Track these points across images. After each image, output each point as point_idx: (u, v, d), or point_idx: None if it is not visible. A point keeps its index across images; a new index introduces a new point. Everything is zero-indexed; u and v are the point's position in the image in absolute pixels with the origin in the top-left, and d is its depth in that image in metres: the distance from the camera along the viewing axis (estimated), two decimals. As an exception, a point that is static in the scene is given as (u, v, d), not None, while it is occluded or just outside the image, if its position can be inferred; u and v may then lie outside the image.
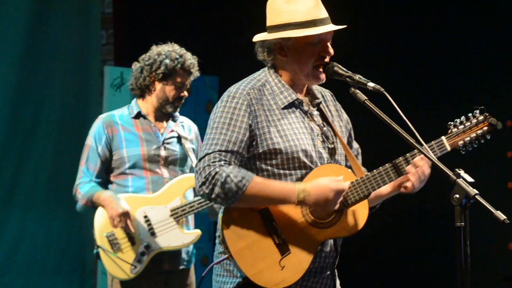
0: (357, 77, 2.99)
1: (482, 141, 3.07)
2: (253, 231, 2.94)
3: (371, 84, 2.97)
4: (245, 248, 2.93)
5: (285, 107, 3.04)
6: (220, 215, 2.99)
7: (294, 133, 3.00)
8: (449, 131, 3.06)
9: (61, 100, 6.47)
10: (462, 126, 3.06)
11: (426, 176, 3.01)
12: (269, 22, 3.04)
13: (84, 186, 4.51)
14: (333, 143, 3.10)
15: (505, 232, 5.75)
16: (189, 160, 4.64)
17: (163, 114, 4.64)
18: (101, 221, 4.44)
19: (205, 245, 6.66)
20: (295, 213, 2.97)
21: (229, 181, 2.87)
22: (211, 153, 2.92)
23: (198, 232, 4.55)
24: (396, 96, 2.92)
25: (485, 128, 3.06)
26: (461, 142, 3.05)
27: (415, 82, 6.18)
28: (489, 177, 5.71)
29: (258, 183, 2.90)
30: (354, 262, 5.36)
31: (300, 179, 2.99)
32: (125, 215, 4.37)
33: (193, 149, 4.66)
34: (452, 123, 3.07)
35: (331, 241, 3.05)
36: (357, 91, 2.99)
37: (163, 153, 4.57)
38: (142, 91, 4.64)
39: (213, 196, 2.89)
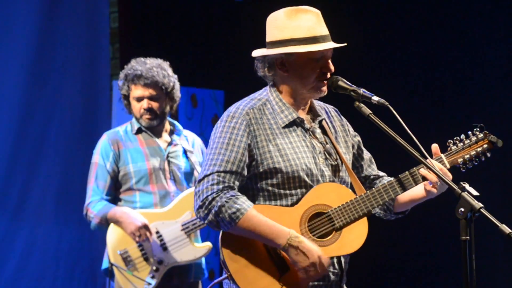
0: (362, 91, 2.99)
1: (483, 159, 3.06)
2: (252, 249, 2.93)
3: (375, 98, 2.97)
4: (244, 267, 2.91)
5: (286, 126, 3.01)
6: (220, 235, 2.97)
7: (295, 152, 2.98)
8: (448, 148, 3.06)
9: (70, 114, 6.46)
10: (462, 144, 3.06)
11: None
12: (270, 37, 3.02)
13: (96, 205, 4.50)
14: (336, 160, 3.06)
15: (511, 245, 5.73)
16: (195, 173, 4.64)
17: (162, 128, 4.64)
18: (113, 238, 4.44)
19: (212, 259, 6.66)
20: (294, 231, 2.92)
21: (224, 211, 2.87)
22: (209, 174, 2.91)
23: (209, 244, 4.54)
24: (400, 110, 2.93)
25: (485, 145, 3.06)
26: (461, 159, 3.05)
27: (419, 97, 6.18)
28: (494, 190, 5.70)
29: (253, 218, 2.88)
30: (360, 277, 5.35)
31: (301, 199, 2.96)
32: (145, 228, 4.38)
33: (199, 163, 4.65)
34: (451, 141, 3.07)
35: (334, 259, 3.01)
36: (362, 105, 2.99)
37: (167, 167, 4.57)
38: (130, 111, 4.68)
39: (206, 221, 2.91)
